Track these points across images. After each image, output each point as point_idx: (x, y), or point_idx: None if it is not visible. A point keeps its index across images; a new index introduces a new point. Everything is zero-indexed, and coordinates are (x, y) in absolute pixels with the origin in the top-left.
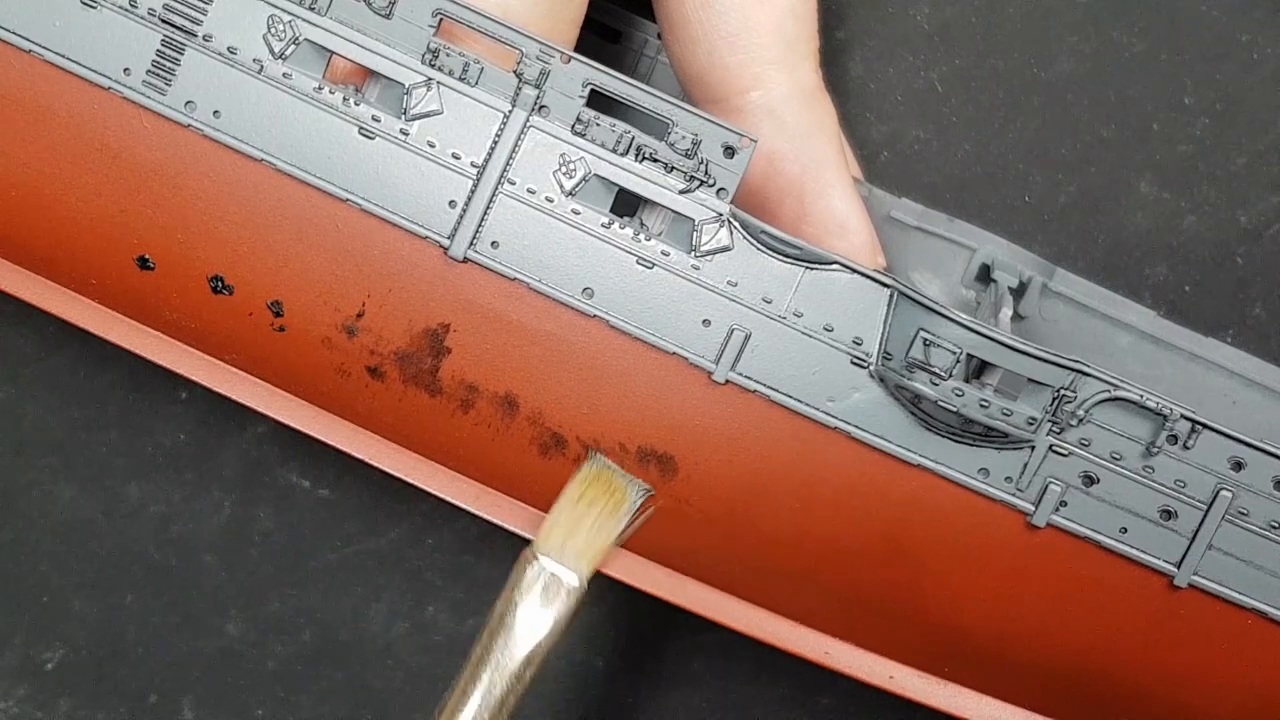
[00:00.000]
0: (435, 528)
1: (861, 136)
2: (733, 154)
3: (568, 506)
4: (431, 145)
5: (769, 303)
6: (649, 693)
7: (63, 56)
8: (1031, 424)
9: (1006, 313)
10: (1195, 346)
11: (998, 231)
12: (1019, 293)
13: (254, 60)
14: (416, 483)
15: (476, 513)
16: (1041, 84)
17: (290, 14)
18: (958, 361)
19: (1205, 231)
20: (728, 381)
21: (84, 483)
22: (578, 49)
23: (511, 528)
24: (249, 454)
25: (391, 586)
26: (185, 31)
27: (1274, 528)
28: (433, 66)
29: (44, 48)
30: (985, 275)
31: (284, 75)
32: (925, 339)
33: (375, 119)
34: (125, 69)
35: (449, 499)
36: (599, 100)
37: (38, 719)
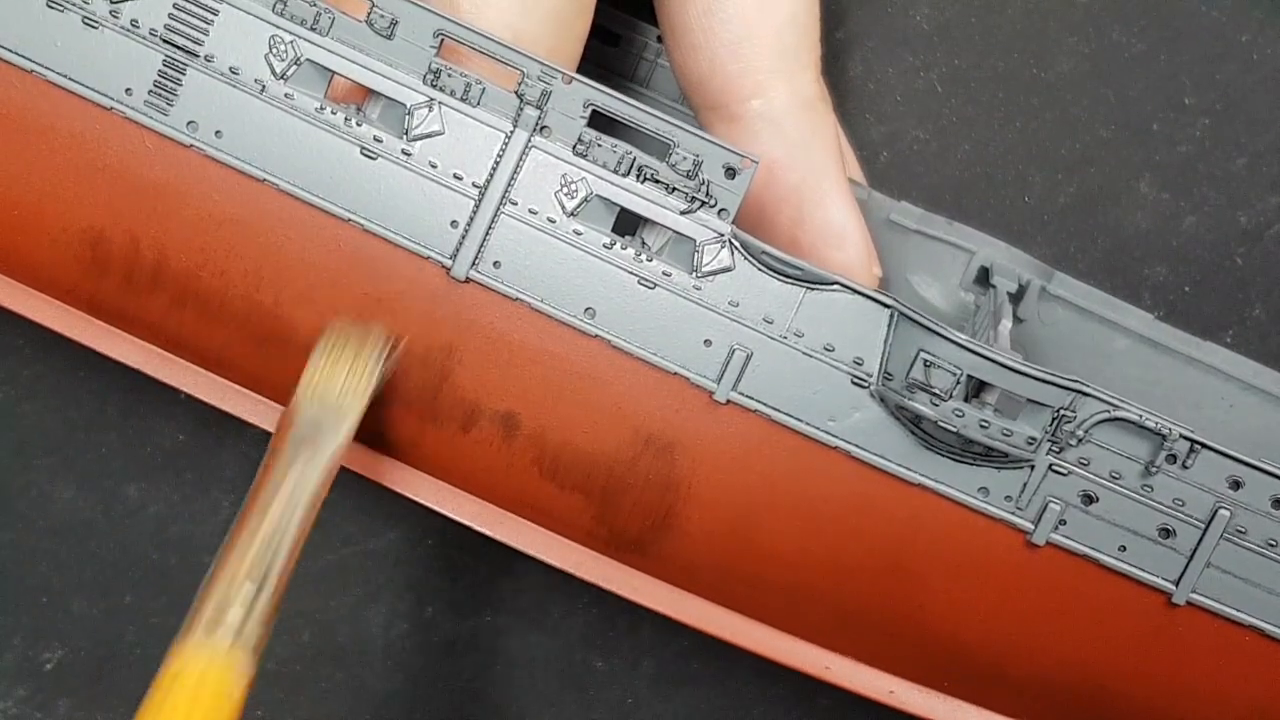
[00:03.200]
0: (435, 529)
1: (861, 137)
2: (734, 175)
3: (319, 367)
4: (433, 166)
5: (770, 323)
6: (649, 693)
7: (65, 76)
8: (1031, 444)
9: (1006, 325)
10: (1193, 350)
11: (997, 232)
12: (1017, 297)
13: (256, 80)
14: (417, 498)
15: (479, 529)
16: (1041, 84)
17: (292, 34)
18: (958, 382)
19: (1205, 232)
20: (729, 401)
21: (83, 483)
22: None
23: (514, 544)
24: (248, 454)
25: (391, 587)
26: (187, 52)
27: (1271, 546)
28: (434, 87)
29: (46, 68)
30: (984, 278)
31: (286, 95)
32: (925, 360)
33: (377, 139)
34: (127, 89)
35: (450, 515)
36: (600, 120)
37: (37, 719)
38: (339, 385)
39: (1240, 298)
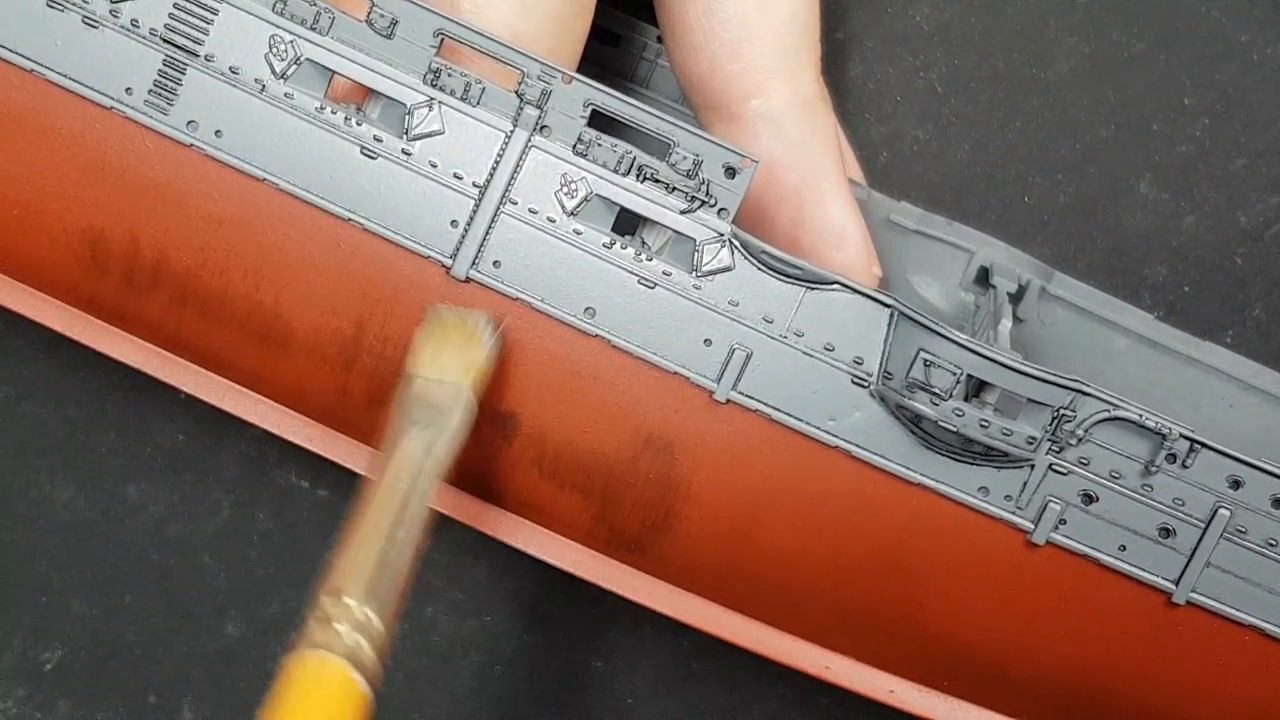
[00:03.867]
0: (434, 528)
1: (861, 137)
2: (734, 174)
3: (427, 347)
4: (433, 165)
5: (770, 322)
6: (648, 693)
7: (65, 76)
8: (1031, 443)
9: (1006, 324)
10: (1193, 350)
11: (997, 232)
12: (1017, 297)
13: (256, 80)
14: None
15: (480, 530)
16: (1041, 84)
17: (292, 34)
18: (958, 382)
19: (1205, 232)
20: (729, 400)
21: (83, 483)
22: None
23: (515, 544)
24: (248, 454)
25: None
26: (187, 51)
27: (1271, 545)
28: (434, 86)
29: (46, 67)
30: (984, 278)
31: (286, 95)
32: (925, 359)
33: (377, 139)
34: (127, 89)
35: (450, 514)
36: (600, 120)
37: (37, 719)
38: (451, 363)
39: (1240, 298)
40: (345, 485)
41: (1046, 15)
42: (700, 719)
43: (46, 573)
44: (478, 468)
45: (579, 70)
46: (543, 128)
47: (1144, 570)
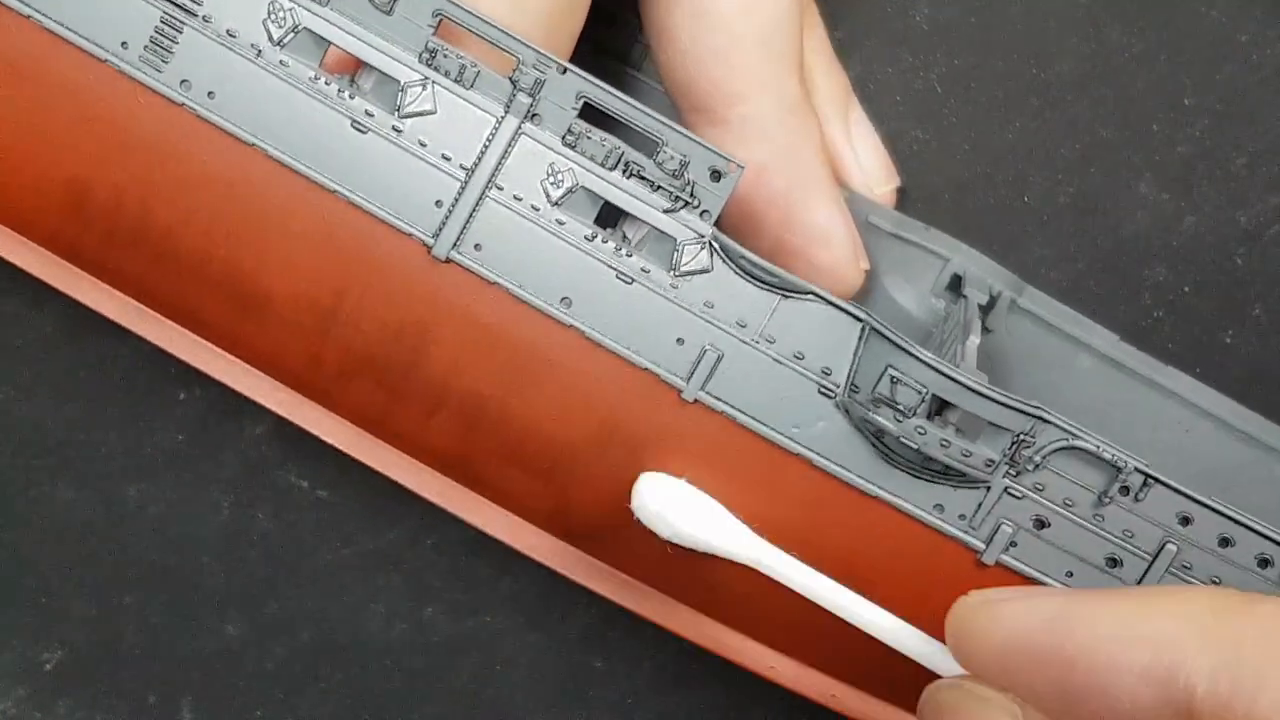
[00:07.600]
0: (434, 528)
1: None
2: (719, 178)
3: None
4: (423, 144)
5: (743, 326)
6: (648, 693)
7: (61, 25)
8: (989, 466)
9: (974, 340)
10: (1155, 373)
11: (997, 232)
12: (988, 308)
13: (252, 45)
14: (394, 477)
15: (461, 516)
16: (1041, 84)
17: (291, 1)
18: (922, 400)
19: (1205, 232)
20: (696, 400)
21: (82, 483)
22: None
23: (495, 534)
24: (248, 455)
25: (391, 587)
26: (186, 10)
27: (1215, 584)
28: (430, 66)
29: (43, 14)
30: (956, 286)
31: (281, 63)
32: (893, 375)
33: (369, 114)
34: (123, 43)
35: (429, 497)
36: (591, 113)
37: (37, 719)
38: None
39: (1240, 298)
40: (345, 485)
41: (1046, 15)
42: (700, 719)
43: (46, 573)
44: (443, 447)
45: (574, 52)
46: (534, 116)
47: None
